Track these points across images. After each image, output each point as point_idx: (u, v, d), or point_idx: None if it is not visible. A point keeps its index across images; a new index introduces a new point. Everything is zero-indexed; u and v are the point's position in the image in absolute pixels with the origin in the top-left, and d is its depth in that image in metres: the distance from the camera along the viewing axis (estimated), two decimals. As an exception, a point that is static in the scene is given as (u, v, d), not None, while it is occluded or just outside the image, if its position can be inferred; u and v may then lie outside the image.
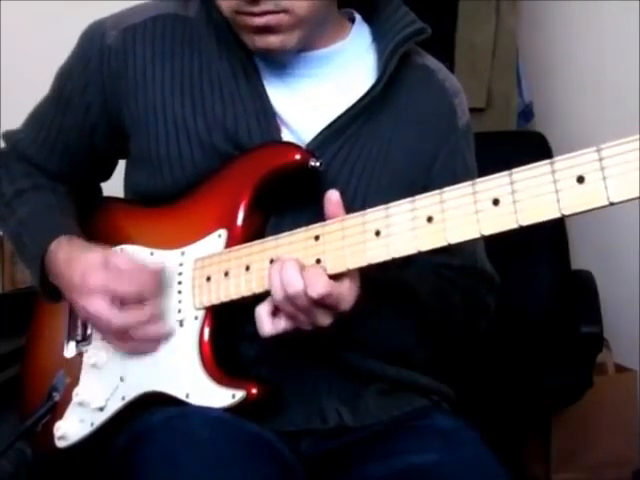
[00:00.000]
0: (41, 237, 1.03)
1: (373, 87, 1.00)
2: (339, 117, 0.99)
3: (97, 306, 0.93)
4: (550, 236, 1.94)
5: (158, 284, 0.96)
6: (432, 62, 1.10)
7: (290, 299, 0.85)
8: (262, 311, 0.88)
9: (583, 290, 1.90)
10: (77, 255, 0.98)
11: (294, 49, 0.99)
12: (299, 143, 0.99)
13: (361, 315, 0.91)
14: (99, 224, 1.11)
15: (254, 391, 0.90)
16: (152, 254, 1.02)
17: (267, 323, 0.88)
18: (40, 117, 1.12)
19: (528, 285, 1.91)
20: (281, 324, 0.88)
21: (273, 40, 0.95)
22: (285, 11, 0.93)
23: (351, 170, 1.00)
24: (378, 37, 1.06)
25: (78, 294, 0.96)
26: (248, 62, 1.01)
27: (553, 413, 2.03)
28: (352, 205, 0.97)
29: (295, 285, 0.84)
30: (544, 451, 2.11)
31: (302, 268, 0.86)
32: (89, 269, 0.95)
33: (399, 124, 1.03)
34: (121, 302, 0.93)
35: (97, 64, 1.03)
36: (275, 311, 0.88)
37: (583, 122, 2.30)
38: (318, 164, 0.94)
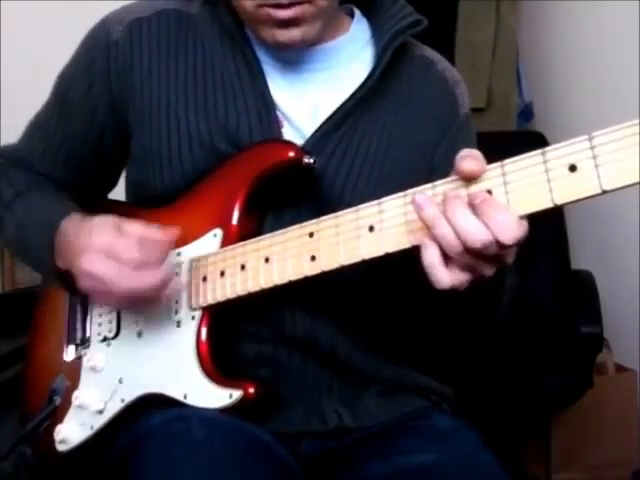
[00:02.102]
0: (49, 217, 1.00)
1: (368, 78, 1.00)
2: (336, 111, 0.99)
3: (99, 266, 0.89)
4: (550, 236, 1.94)
5: (164, 255, 0.90)
6: (431, 53, 1.10)
7: (475, 252, 0.74)
8: (434, 260, 0.76)
9: (583, 290, 1.90)
10: (87, 222, 0.94)
11: (311, 42, 0.99)
12: (300, 139, 0.99)
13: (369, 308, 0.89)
14: None
15: (251, 391, 0.89)
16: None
17: (445, 274, 0.76)
18: (41, 125, 1.10)
19: (528, 285, 1.91)
20: (461, 276, 0.76)
21: (295, 33, 0.95)
22: (309, 1, 0.93)
23: (351, 164, 1.00)
24: (376, 31, 1.06)
25: (82, 254, 0.91)
26: (252, 59, 1.01)
27: (553, 413, 2.03)
28: (353, 199, 0.97)
29: (481, 236, 0.73)
30: (544, 451, 2.11)
31: (473, 206, 0.74)
32: (97, 228, 0.91)
33: (400, 114, 1.03)
34: (124, 264, 0.88)
35: (103, 61, 1.02)
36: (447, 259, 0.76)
37: (583, 122, 2.30)
38: (312, 161, 0.94)
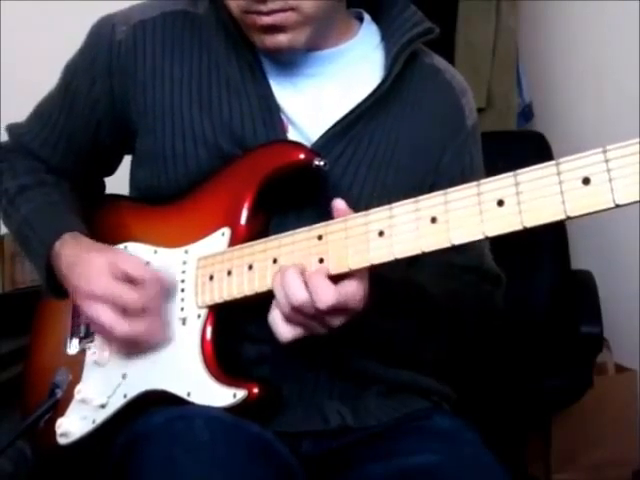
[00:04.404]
0: (45, 236, 1.03)
1: (379, 86, 1.00)
2: (345, 116, 0.99)
3: (101, 313, 0.93)
4: (550, 236, 1.94)
5: (163, 293, 0.95)
6: (440, 62, 1.10)
7: (297, 310, 0.84)
8: (276, 318, 0.86)
9: (583, 290, 1.90)
10: (81, 258, 0.97)
11: (302, 48, 0.99)
12: (305, 142, 0.99)
13: (367, 315, 0.90)
14: (103, 221, 1.11)
15: (255, 391, 0.89)
16: (156, 252, 1.01)
17: (284, 328, 0.86)
18: (45, 112, 1.12)
19: (528, 285, 1.92)
20: (298, 330, 0.86)
21: (282, 39, 0.95)
22: (292, 9, 0.93)
23: (356, 169, 1.00)
24: (386, 37, 1.06)
25: (83, 299, 0.95)
26: (255, 62, 1.01)
27: (553, 413, 2.03)
28: (357, 204, 0.97)
29: (299, 296, 0.83)
30: (544, 451, 2.11)
31: (304, 274, 0.84)
32: (94, 275, 0.94)
33: (406, 122, 1.03)
34: (124, 310, 0.93)
35: (106, 60, 1.03)
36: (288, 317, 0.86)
37: (583, 122, 2.30)
38: (322, 163, 0.94)
